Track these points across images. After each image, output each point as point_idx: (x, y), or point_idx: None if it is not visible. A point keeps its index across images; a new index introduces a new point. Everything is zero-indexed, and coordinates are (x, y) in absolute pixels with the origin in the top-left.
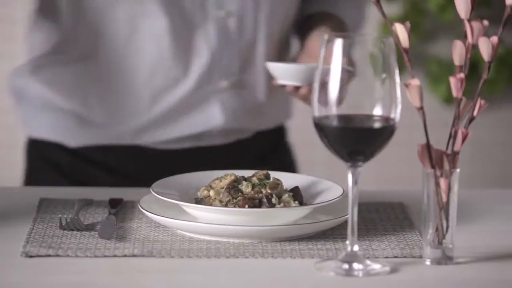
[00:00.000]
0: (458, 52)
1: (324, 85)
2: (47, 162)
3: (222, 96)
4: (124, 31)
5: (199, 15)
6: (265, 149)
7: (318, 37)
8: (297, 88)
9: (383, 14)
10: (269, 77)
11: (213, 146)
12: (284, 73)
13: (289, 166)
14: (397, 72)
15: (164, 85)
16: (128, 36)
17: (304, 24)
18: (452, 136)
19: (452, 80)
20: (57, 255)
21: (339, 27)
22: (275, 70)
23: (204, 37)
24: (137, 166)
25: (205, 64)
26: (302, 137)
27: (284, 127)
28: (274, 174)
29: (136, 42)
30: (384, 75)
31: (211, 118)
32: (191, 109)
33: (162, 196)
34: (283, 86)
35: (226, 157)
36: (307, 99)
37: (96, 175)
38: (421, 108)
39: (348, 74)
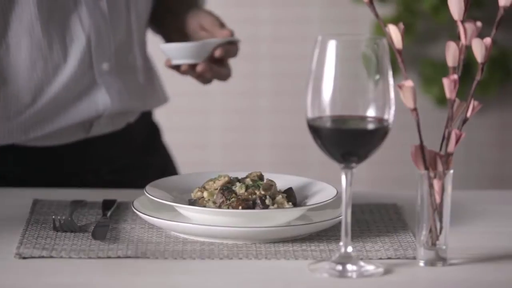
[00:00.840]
0: (451, 53)
1: (212, 59)
2: None
3: (105, 79)
4: None
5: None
6: (149, 136)
7: (192, 15)
8: (193, 66)
9: (376, 15)
10: (145, 61)
11: (103, 136)
12: (179, 52)
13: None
14: (390, 73)
15: (45, 75)
16: (1, 33)
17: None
18: (446, 137)
19: (446, 82)
20: (51, 257)
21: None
22: (169, 50)
23: (78, 21)
24: (25, 167)
25: (83, 49)
26: (295, 138)
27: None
28: (268, 176)
29: (11, 39)
30: (377, 76)
31: (98, 102)
32: (77, 95)
33: (155, 197)
34: (178, 66)
35: (115, 146)
36: (204, 76)
37: None
38: (414, 109)
39: (232, 46)
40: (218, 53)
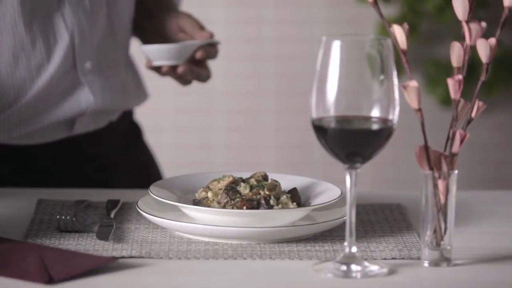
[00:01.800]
0: (456, 54)
1: (192, 60)
2: None
3: (88, 78)
4: None
5: None
6: (131, 135)
7: (171, 17)
8: (173, 68)
9: (380, 15)
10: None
11: (86, 134)
12: (159, 54)
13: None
14: (395, 73)
15: (28, 74)
16: None
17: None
18: (450, 138)
19: (450, 82)
20: None
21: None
22: (150, 52)
23: (62, 20)
24: (8, 166)
25: (66, 48)
26: (300, 138)
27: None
28: (272, 176)
29: None
30: (382, 77)
31: (81, 101)
32: (60, 94)
33: (160, 197)
34: (159, 68)
35: (98, 144)
36: (184, 77)
37: None
38: (419, 110)
39: (212, 48)
40: (199, 55)
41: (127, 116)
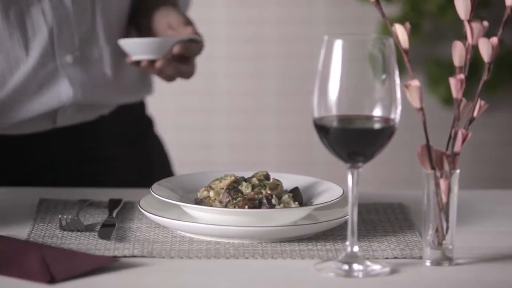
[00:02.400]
0: (458, 53)
1: (175, 56)
2: None
3: (69, 71)
4: None
5: None
6: (127, 126)
7: (161, 14)
8: (152, 63)
9: (382, 14)
10: (123, 54)
11: (72, 126)
12: (137, 48)
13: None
14: (397, 73)
15: (7, 66)
16: None
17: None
18: (452, 137)
19: (452, 81)
20: None
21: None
22: (127, 46)
23: (41, 14)
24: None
25: (45, 41)
26: (301, 137)
27: (144, 103)
28: (274, 175)
29: None
30: (384, 76)
31: (60, 94)
32: (39, 86)
33: (161, 196)
34: (139, 62)
35: (87, 136)
36: (162, 72)
37: None
38: (421, 109)
39: (195, 44)
40: (176, 49)
41: (134, 110)
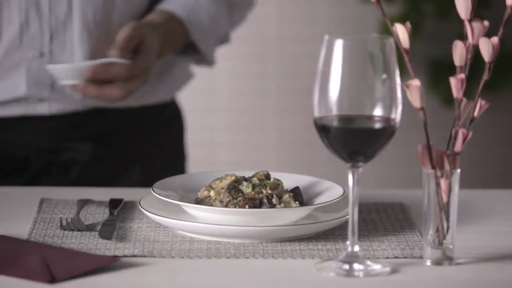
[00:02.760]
0: (458, 53)
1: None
2: None
3: (29, 65)
4: None
5: None
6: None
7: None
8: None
9: (383, 14)
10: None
11: (41, 115)
12: (60, 73)
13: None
14: (397, 72)
15: None
16: None
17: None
18: (453, 137)
19: (453, 81)
20: None
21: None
22: (53, 71)
23: (16, 7)
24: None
25: (14, 33)
26: (302, 137)
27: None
28: (275, 175)
29: None
30: (384, 76)
31: (14, 86)
32: (2, 75)
33: (162, 196)
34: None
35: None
36: (87, 95)
37: None
38: (421, 109)
39: (115, 66)
40: (89, 74)
41: (155, 109)
